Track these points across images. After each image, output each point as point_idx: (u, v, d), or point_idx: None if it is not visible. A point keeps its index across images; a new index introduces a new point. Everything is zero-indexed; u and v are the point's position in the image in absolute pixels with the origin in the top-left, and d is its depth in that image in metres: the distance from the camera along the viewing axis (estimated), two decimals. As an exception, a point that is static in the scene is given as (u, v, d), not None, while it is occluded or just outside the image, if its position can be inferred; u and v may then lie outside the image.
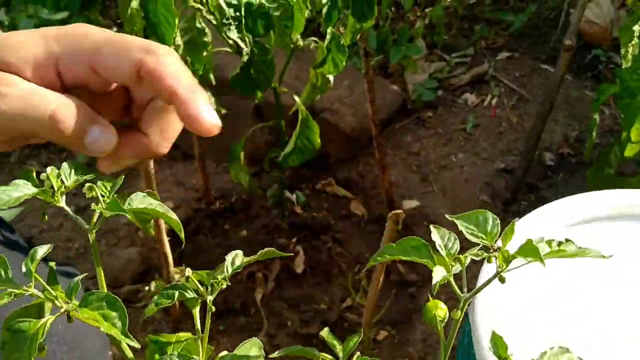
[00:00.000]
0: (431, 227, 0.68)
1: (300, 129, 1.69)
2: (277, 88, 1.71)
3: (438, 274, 0.62)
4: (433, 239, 0.67)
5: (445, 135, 2.52)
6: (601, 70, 2.83)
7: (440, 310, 0.65)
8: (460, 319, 0.64)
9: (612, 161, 1.99)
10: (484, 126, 2.56)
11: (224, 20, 1.20)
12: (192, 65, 1.54)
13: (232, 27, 1.22)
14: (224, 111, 1.92)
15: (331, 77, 1.70)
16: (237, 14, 1.22)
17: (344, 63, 1.56)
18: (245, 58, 1.39)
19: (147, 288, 1.90)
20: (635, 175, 1.94)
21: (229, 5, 1.21)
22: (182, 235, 0.72)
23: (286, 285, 2.04)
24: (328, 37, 1.50)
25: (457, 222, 0.68)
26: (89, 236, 0.70)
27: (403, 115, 2.61)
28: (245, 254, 0.68)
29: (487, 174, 2.37)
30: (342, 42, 1.51)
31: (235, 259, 0.68)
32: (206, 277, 0.66)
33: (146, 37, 1.36)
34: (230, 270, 0.66)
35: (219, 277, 0.65)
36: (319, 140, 1.77)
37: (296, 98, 1.66)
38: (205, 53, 1.60)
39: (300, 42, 1.54)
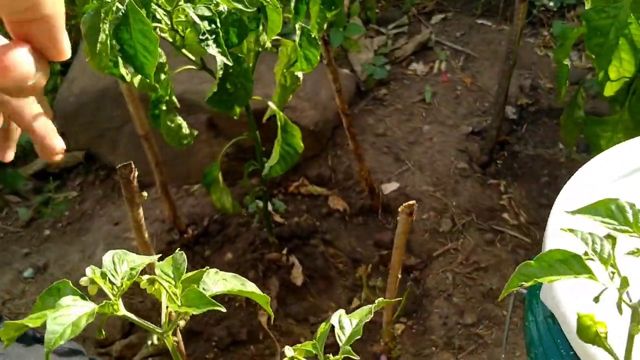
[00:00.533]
0: (567, 232, 0.57)
1: (281, 135, 1.56)
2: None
3: (602, 289, 0.52)
4: (577, 244, 0.57)
5: (406, 110, 2.45)
6: (536, 15, 2.83)
7: (600, 325, 0.55)
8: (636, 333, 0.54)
9: (580, 103, 1.97)
10: (440, 93, 2.50)
11: (200, 36, 1.06)
12: (153, 88, 1.39)
13: (210, 42, 1.07)
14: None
15: (300, 75, 1.58)
16: (213, 26, 1.07)
17: (317, 57, 1.44)
18: (220, 73, 1.25)
19: (149, 342, 1.73)
20: (612, 114, 1.92)
21: (203, 18, 1.06)
22: (270, 310, 0.60)
23: (289, 301, 1.91)
24: (298, 32, 1.37)
25: (586, 218, 0.59)
26: (165, 341, 0.56)
27: (358, 97, 2.51)
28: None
29: (457, 140, 2.31)
30: (313, 36, 1.39)
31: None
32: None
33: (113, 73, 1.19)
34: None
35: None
36: (301, 144, 1.65)
37: (271, 104, 1.53)
38: (163, 76, 1.44)
39: (268, 44, 1.40)
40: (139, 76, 1.30)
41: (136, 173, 1.09)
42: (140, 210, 1.19)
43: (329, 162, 2.34)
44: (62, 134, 2.34)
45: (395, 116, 2.43)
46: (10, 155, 0.67)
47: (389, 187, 2.21)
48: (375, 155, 2.31)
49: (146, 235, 1.27)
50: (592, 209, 0.59)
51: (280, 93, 1.60)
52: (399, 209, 1.44)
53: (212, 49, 1.08)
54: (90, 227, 2.32)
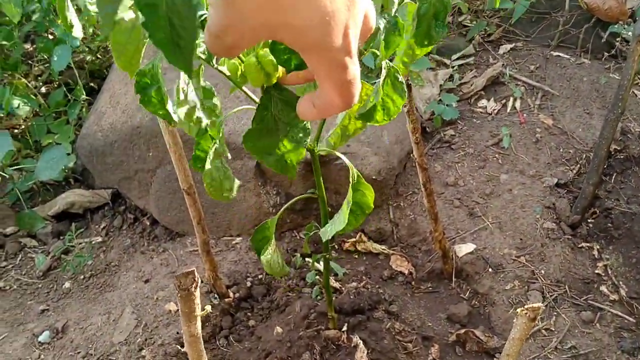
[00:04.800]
0: None
1: (352, 195, 1.26)
2: (315, 148, 1.27)
3: None
4: None
5: (478, 156, 2.13)
6: (619, 48, 2.51)
7: None
8: None
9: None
10: (517, 136, 2.18)
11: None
12: (203, 133, 1.09)
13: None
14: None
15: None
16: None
17: (399, 109, 1.13)
18: (264, 114, 0.96)
19: None
20: None
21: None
22: None
23: (353, 392, 1.60)
24: (383, 72, 1.07)
25: None
26: None
27: (422, 139, 2.20)
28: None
29: (541, 193, 1.99)
30: (400, 79, 1.09)
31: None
32: None
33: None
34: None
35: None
36: (372, 205, 1.33)
37: (344, 158, 1.22)
38: (214, 118, 1.14)
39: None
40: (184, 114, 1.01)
41: (199, 282, 0.80)
42: (199, 324, 0.89)
43: (390, 215, 2.03)
44: (85, 170, 2.01)
45: (466, 162, 2.11)
46: None
47: (464, 249, 1.89)
48: (445, 208, 2.00)
49: (202, 347, 0.97)
50: None
51: (340, 134, 1.30)
52: (519, 312, 1.13)
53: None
54: (116, 282, 2.03)
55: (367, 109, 1.17)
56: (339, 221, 1.32)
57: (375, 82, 1.11)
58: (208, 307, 0.83)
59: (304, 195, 1.44)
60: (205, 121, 1.08)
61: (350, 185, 1.29)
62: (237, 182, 1.41)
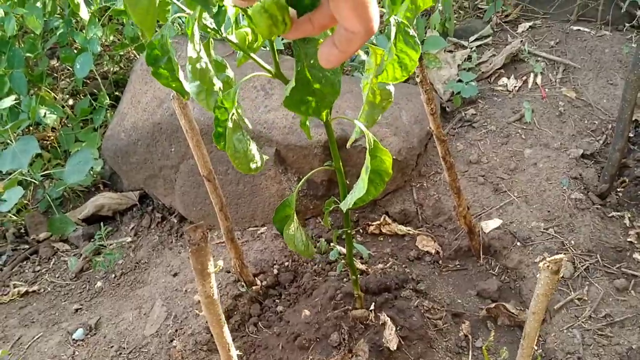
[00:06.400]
0: None
1: (369, 161, 1.24)
2: (328, 118, 1.26)
3: None
4: None
5: (501, 132, 2.10)
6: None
7: None
8: None
9: None
10: (539, 110, 2.15)
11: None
12: (220, 106, 1.09)
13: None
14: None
15: (392, 89, 1.27)
16: None
17: (416, 61, 1.12)
18: (298, 65, 0.96)
19: None
20: None
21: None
22: None
23: (384, 369, 1.58)
24: (393, 27, 1.06)
25: None
26: None
27: (443, 119, 2.19)
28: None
29: (567, 165, 1.95)
30: (411, 33, 1.08)
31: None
32: None
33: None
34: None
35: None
36: (390, 171, 1.32)
37: (359, 124, 1.21)
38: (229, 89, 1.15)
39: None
40: (197, 89, 1.02)
41: (209, 236, 0.80)
42: (213, 282, 0.89)
43: (414, 196, 2.02)
44: (113, 175, 2.04)
45: (489, 139, 2.09)
46: None
47: (490, 225, 1.86)
48: (470, 186, 1.97)
49: (220, 310, 0.97)
50: None
51: (368, 111, 1.29)
52: (540, 265, 1.11)
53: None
54: (146, 278, 2.05)
55: (384, 68, 1.16)
56: (359, 189, 1.31)
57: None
58: (220, 262, 0.83)
59: (322, 167, 1.44)
60: (218, 85, 1.08)
61: (367, 151, 1.28)
62: (264, 156, 1.40)
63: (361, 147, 1.90)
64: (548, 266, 1.06)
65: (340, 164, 1.35)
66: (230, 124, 1.21)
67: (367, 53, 1.22)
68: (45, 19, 2.52)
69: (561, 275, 1.19)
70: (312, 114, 1.05)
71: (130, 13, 0.83)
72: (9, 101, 2.25)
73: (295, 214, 1.45)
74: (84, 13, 1.15)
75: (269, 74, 1.07)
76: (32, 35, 2.59)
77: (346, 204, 1.29)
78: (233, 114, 1.19)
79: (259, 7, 0.78)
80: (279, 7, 0.76)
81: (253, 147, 1.28)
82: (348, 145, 1.37)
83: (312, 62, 0.98)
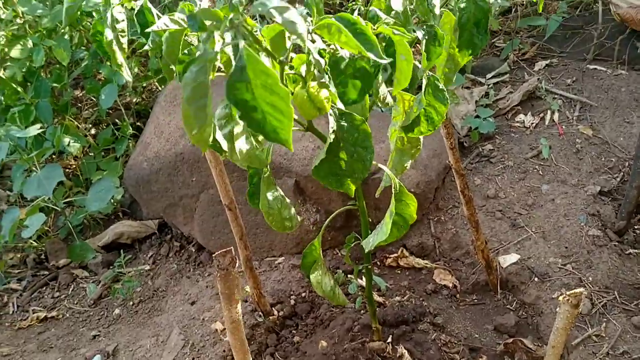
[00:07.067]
0: None
1: (395, 205, 1.26)
2: (358, 192, 1.30)
3: None
4: None
5: (518, 168, 2.12)
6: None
7: None
8: None
9: None
10: (556, 147, 2.17)
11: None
12: (263, 163, 1.10)
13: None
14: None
15: (421, 136, 1.28)
16: (327, 77, 0.82)
17: (443, 116, 1.15)
18: (331, 137, 0.97)
19: None
20: None
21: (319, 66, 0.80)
22: None
23: (401, 403, 1.57)
24: (424, 83, 1.10)
25: None
26: None
27: (461, 154, 2.21)
28: None
29: (584, 202, 1.96)
30: (441, 87, 1.12)
31: None
32: None
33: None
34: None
35: None
36: (414, 215, 1.34)
37: (386, 170, 1.24)
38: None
39: (390, 100, 1.13)
40: (244, 148, 1.03)
41: (237, 263, 0.82)
42: (239, 308, 0.91)
43: (431, 230, 2.03)
44: (133, 203, 2.07)
45: (506, 175, 2.10)
46: None
47: (508, 260, 1.87)
48: (487, 221, 1.98)
49: (244, 336, 0.98)
50: None
51: (397, 159, 1.31)
52: (560, 299, 1.12)
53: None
54: (163, 306, 2.07)
55: (411, 121, 1.18)
56: (382, 232, 1.32)
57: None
58: (247, 288, 0.85)
59: (345, 207, 1.45)
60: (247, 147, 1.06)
61: (393, 195, 1.29)
62: (298, 217, 1.40)
63: (380, 180, 1.92)
64: (568, 300, 1.07)
65: (364, 203, 1.36)
66: (263, 184, 1.22)
67: (394, 99, 1.23)
68: (72, 50, 2.60)
69: (580, 310, 1.20)
70: (340, 188, 1.05)
71: (187, 132, 0.83)
72: (34, 129, 2.31)
73: (322, 259, 1.45)
74: (120, 58, 1.19)
75: (302, 128, 1.08)
76: (59, 66, 2.66)
77: (368, 244, 1.30)
78: (265, 172, 1.20)
79: (306, 98, 0.86)
80: (322, 99, 0.86)
81: (287, 205, 1.27)
82: (377, 194, 1.37)
83: (345, 135, 0.99)
